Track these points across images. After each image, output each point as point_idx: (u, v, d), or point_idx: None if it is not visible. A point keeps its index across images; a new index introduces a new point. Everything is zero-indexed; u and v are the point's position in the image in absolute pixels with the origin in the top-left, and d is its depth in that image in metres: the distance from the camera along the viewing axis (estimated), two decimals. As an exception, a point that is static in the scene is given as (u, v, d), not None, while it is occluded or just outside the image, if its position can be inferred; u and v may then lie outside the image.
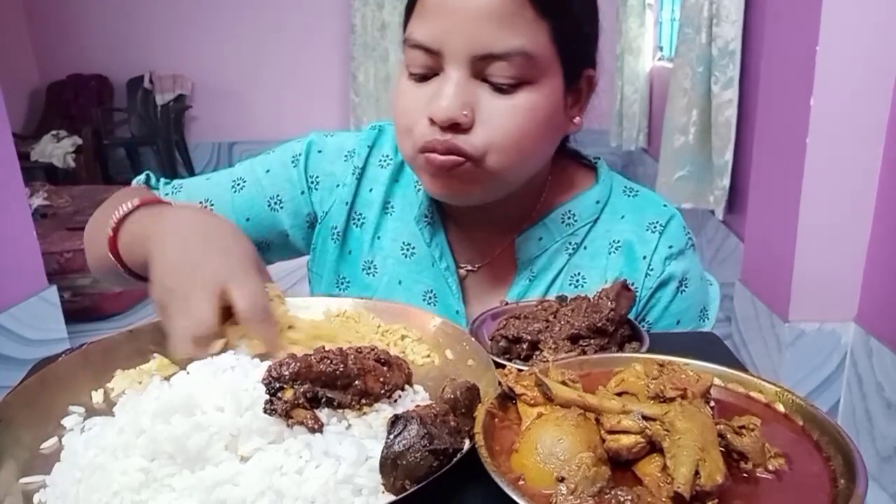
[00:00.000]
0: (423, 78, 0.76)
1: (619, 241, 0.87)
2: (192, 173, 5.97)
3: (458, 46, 0.72)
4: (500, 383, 0.53)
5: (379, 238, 0.92)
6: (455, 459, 0.46)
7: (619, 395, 0.50)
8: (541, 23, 0.72)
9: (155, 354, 0.65)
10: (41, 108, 5.93)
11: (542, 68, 0.74)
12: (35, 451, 0.53)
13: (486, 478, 0.43)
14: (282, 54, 5.95)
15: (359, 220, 0.92)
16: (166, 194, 0.92)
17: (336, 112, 6.08)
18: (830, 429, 0.48)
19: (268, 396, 0.50)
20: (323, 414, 0.51)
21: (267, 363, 0.53)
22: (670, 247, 0.86)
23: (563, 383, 0.51)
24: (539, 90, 0.74)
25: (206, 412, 0.48)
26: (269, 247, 0.93)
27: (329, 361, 0.52)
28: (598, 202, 0.88)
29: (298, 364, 0.51)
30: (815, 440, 0.48)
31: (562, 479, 0.42)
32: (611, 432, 0.45)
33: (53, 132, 5.33)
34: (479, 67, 0.73)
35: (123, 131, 6.06)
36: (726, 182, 2.95)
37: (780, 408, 0.52)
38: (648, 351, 0.63)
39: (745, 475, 0.45)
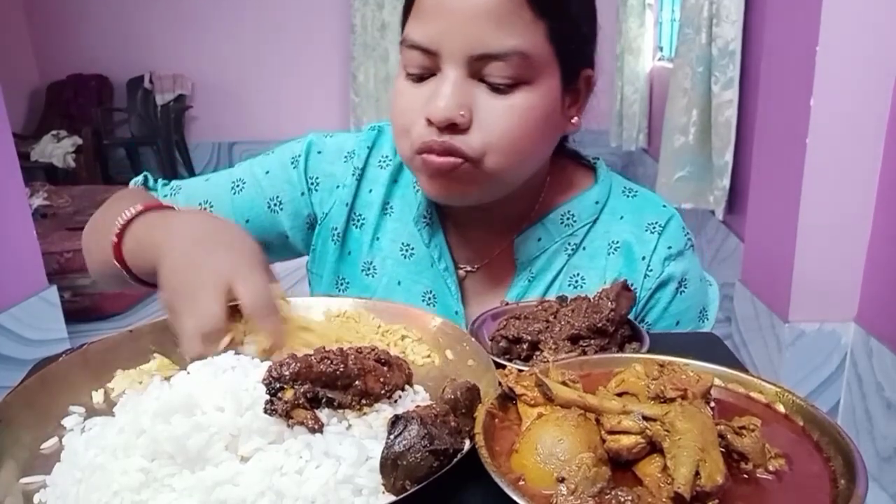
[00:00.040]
0: (421, 78, 0.76)
1: (618, 242, 0.86)
2: (192, 173, 5.97)
3: (455, 47, 0.72)
4: (500, 384, 0.53)
5: (378, 239, 0.92)
6: (455, 460, 0.46)
7: (620, 395, 0.50)
8: (538, 23, 0.72)
9: (155, 354, 0.65)
10: (41, 108, 5.93)
11: (539, 68, 0.74)
12: (35, 451, 0.53)
13: (487, 478, 0.43)
14: (282, 54, 5.95)
15: (358, 221, 0.92)
16: (165, 196, 0.92)
17: (336, 112, 6.07)
18: (830, 429, 0.48)
19: (268, 396, 0.50)
20: (323, 414, 0.51)
21: (267, 363, 0.53)
22: (669, 247, 0.86)
23: (564, 384, 0.51)
24: (536, 90, 0.74)
25: (206, 412, 0.48)
26: (269, 248, 0.93)
27: (329, 362, 0.52)
28: (597, 202, 0.88)
29: (299, 364, 0.51)
30: (815, 440, 0.48)
31: (562, 480, 0.42)
32: (611, 433, 0.45)
33: (53, 132, 5.33)
34: (476, 68, 0.73)
35: (123, 131, 6.06)
36: (726, 182, 2.95)
37: (781, 408, 0.52)
38: (649, 351, 0.63)
39: (745, 476, 0.45)
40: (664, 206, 0.90)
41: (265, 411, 0.49)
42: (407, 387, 0.58)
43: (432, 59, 0.74)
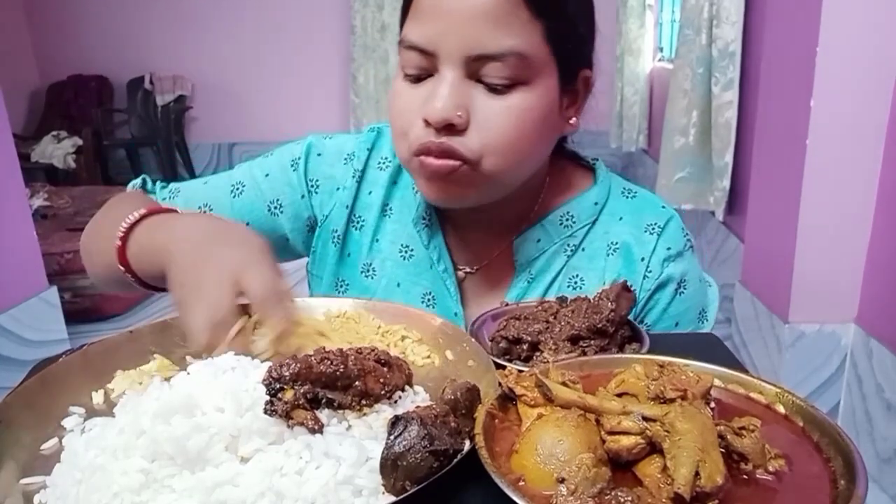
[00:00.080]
0: (418, 79, 0.76)
1: (617, 243, 0.86)
2: (192, 174, 5.97)
3: (453, 47, 0.72)
4: (500, 384, 0.53)
5: (378, 241, 0.91)
6: (455, 460, 0.46)
7: (620, 396, 0.50)
8: (535, 23, 0.72)
9: (155, 355, 0.65)
10: (41, 108, 5.93)
11: (536, 69, 0.74)
12: (35, 451, 0.53)
13: (487, 479, 0.43)
14: (282, 55, 5.95)
15: (358, 222, 0.92)
16: (163, 199, 0.92)
17: (336, 113, 6.08)
18: (830, 430, 0.48)
19: (268, 397, 0.50)
20: (323, 415, 0.51)
21: (267, 364, 0.53)
22: (668, 248, 0.86)
23: (564, 384, 0.51)
24: (533, 90, 0.74)
25: (206, 413, 0.48)
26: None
27: (329, 362, 0.52)
28: (596, 203, 0.88)
29: (299, 365, 0.51)
30: (815, 441, 0.48)
31: (562, 480, 0.42)
32: (611, 433, 0.45)
33: (54, 133, 5.34)
34: (474, 68, 0.72)
35: (124, 132, 6.06)
36: (726, 183, 2.95)
37: (781, 409, 0.52)
38: (648, 352, 0.63)
39: (745, 476, 0.45)
40: (663, 206, 0.90)
41: (265, 412, 0.49)
42: (407, 387, 0.58)
43: (430, 60, 0.74)
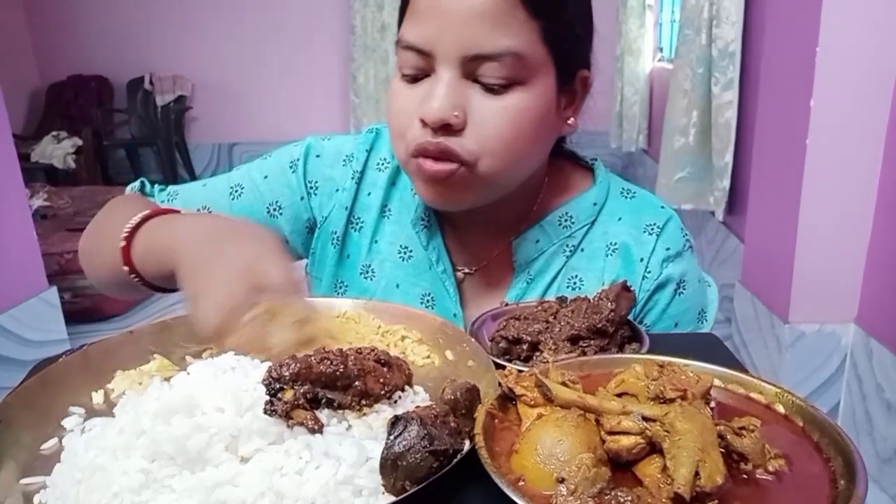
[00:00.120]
0: (415, 79, 0.76)
1: (616, 244, 0.86)
2: (192, 174, 5.98)
3: (449, 47, 0.72)
4: (500, 384, 0.53)
5: (377, 242, 0.91)
6: (455, 460, 0.46)
7: (620, 396, 0.50)
8: (532, 23, 0.72)
9: (155, 355, 0.65)
10: (41, 108, 5.93)
11: (533, 69, 0.73)
12: (35, 451, 0.53)
13: (487, 479, 0.43)
14: (282, 55, 5.95)
15: (357, 224, 0.92)
16: (162, 201, 0.91)
17: (336, 113, 6.08)
18: (830, 430, 0.48)
19: (268, 397, 0.50)
20: (323, 415, 0.51)
21: (267, 364, 0.53)
22: (668, 249, 0.86)
23: (564, 384, 0.51)
24: (531, 91, 0.74)
25: (206, 413, 0.48)
26: None
27: (329, 362, 0.52)
28: (595, 204, 0.88)
29: (298, 365, 0.51)
30: (815, 441, 0.48)
31: (562, 480, 0.42)
32: (611, 433, 0.45)
33: (54, 133, 5.34)
34: (471, 68, 0.72)
35: (123, 132, 6.06)
36: (726, 183, 2.95)
37: (781, 409, 0.52)
38: (648, 352, 0.63)
39: (745, 476, 0.45)
40: (662, 207, 0.90)
41: (265, 412, 0.49)
42: (407, 387, 0.58)
43: (427, 60, 0.74)
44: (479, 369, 0.60)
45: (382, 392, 0.54)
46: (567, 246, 0.87)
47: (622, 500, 0.41)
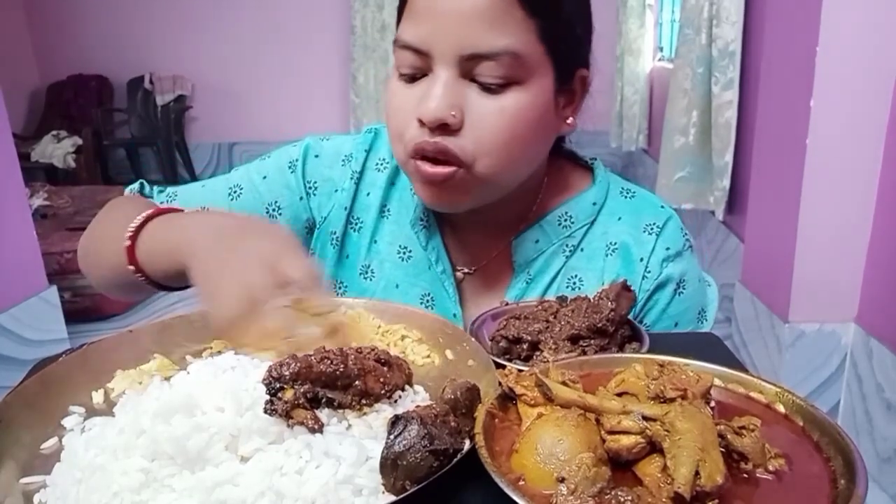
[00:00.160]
0: (413, 78, 0.76)
1: (615, 244, 0.86)
2: (192, 174, 5.98)
3: (446, 47, 0.72)
4: (500, 384, 0.53)
5: (376, 242, 0.91)
6: (455, 460, 0.46)
7: (620, 395, 0.50)
8: (529, 22, 0.72)
9: (155, 355, 0.65)
10: (41, 108, 5.93)
11: (530, 68, 0.73)
12: (35, 451, 0.53)
13: (487, 478, 0.43)
14: (282, 55, 5.95)
15: (356, 224, 0.92)
16: (161, 202, 0.91)
17: (336, 113, 6.08)
18: (830, 429, 0.48)
19: (268, 397, 0.50)
20: (323, 414, 0.51)
21: (267, 363, 0.53)
22: (667, 248, 0.86)
23: (564, 384, 0.51)
24: (528, 90, 0.74)
25: (206, 412, 0.48)
26: None
27: (329, 362, 0.52)
28: (594, 204, 0.88)
29: (299, 364, 0.51)
30: (815, 441, 0.48)
31: (562, 480, 0.42)
32: (611, 433, 0.45)
33: (53, 132, 5.34)
34: (468, 68, 0.72)
35: (123, 132, 6.06)
36: (726, 183, 2.95)
37: (781, 408, 0.52)
38: (649, 351, 0.63)
39: (745, 476, 0.45)
40: (662, 206, 0.90)
41: (265, 411, 0.49)
42: (407, 387, 0.58)
43: (424, 60, 0.74)
44: (480, 369, 0.60)
45: (382, 391, 0.54)
46: (567, 246, 0.86)
47: (622, 499, 0.41)
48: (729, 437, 0.46)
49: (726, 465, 0.43)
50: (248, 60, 5.98)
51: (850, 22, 1.88)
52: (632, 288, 0.68)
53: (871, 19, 1.87)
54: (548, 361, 0.57)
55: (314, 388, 0.51)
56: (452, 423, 0.48)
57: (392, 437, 0.45)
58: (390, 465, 0.44)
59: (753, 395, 0.54)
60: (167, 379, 0.55)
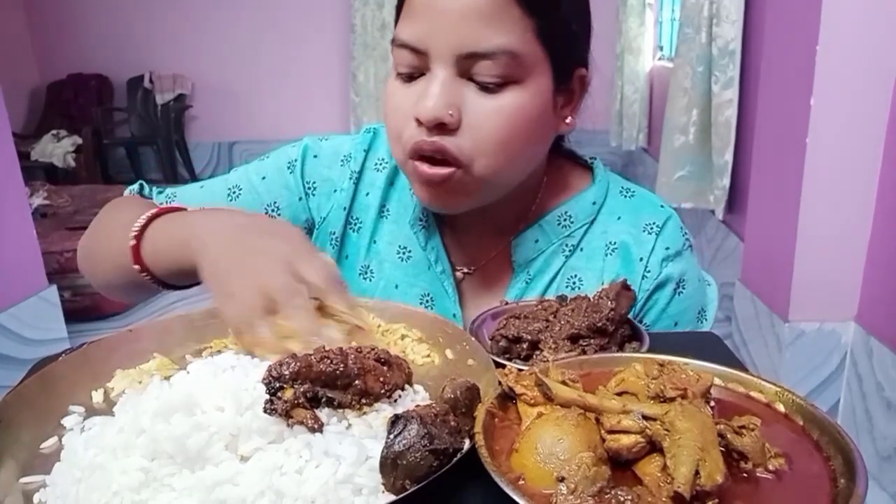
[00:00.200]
0: (411, 77, 0.75)
1: (615, 243, 0.86)
2: (192, 173, 5.98)
3: (444, 45, 0.71)
4: (500, 383, 0.53)
5: (375, 242, 0.91)
6: (455, 459, 0.46)
7: (620, 394, 0.50)
8: (526, 21, 0.72)
9: (155, 354, 0.65)
10: (41, 107, 5.93)
11: (528, 67, 0.73)
12: (35, 450, 0.53)
13: (487, 478, 0.43)
14: (282, 54, 5.95)
15: (356, 224, 0.92)
16: (160, 203, 0.91)
17: (336, 112, 6.08)
18: (830, 428, 0.48)
19: (268, 396, 0.49)
20: (323, 414, 0.51)
21: (267, 363, 0.53)
22: (667, 248, 0.86)
23: (564, 383, 0.51)
24: (526, 89, 0.74)
25: (206, 412, 0.48)
26: None
27: (329, 361, 0.52)
28: (594, 203, 0.88)
29: (298, 364, 0.51)
30: (815, 440, 0.48)
31: (562, 479, 0.42)
32: (611, 432, 0.45)
33: (53, 132, 5.34)
34: (465, 66, 0.72)
35: (123, 131, 6.06)
36: (726, 182, 2.95)
37: (781, 407, 0.52)
38: (648, 351, 0.63)
39: (745, 475, 0.45)
40: (662, 206, 0.90)
41: (265, 411, 0.49)
42: (407, 386, 0.58)
43: (422, 59, 0.73)
44: (479, 368, 0.60)
45: (382, 391, 0.54)
46: (566, 245, 0.86)
47: (622, 499, 0.41)
48: (729, 436, 0.46)
49: (726, 465, 0.43)
50: (248, 59, 5.98)
51: (850, 21, 1.87)
52: (631, 287, 0.68)
53: (871, 19, 1.87)
54: (548, 361, 0.57)
55: (314, 388, 0.51)
56: (452, 423, 0.48)
57: (392, 436, 0.45)
58: (390, 465, 0.44)
59: (753, 394, 0.54)
60: (167, 378, 0.55)
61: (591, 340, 0.64)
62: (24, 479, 0.50)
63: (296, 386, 0.50)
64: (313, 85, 6.03)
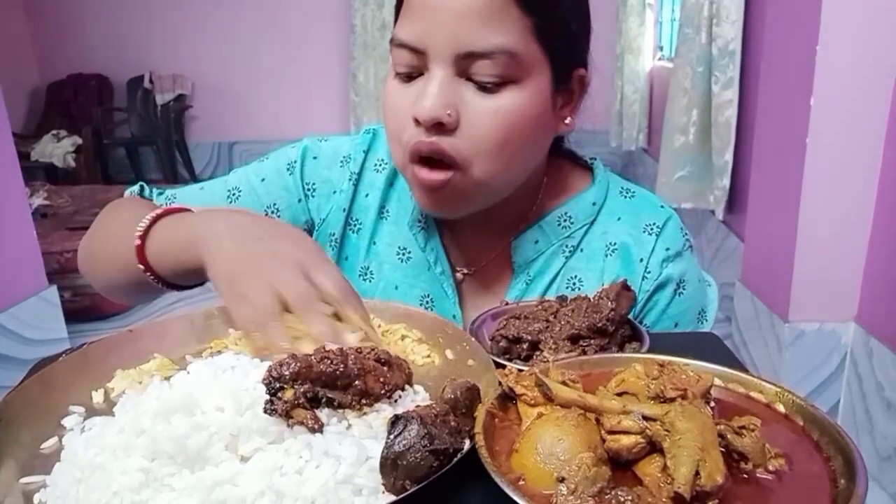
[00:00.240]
0: (409, 77, 0.75)
1: (615, 244, 0.86)
2: (192, 173, 5.98)
3: (442, 45, 0.71)
4: (500, 383, 0.53)
5: (375, 243, 0.91)
6: (455, 459, 0.46)
7: (620, 395, 0.50)
8: (525, 20, 0.71)
9: (155, 354, 0.65)
10: (41, 107, 5.93)
11: (526, 67, 0.73)
12: (35, 450, 0.53)
13: (487, 478, 0.43)
14: (282, 54, 5.95)
15: (355, 225, 0.92)
16: (160, 204, 0.91)
17: (336, 112, 6.08)
18: (830, 429, 0.48)
19: (268, 396, 0.49)
20: (323, 414, 0.51)
21: (267, 363, 0.53)
22: (667, 249, 0.85)
23: (564, 383, 0.51)
24: (524, 89, 0.73)
25: (206, 412, 0.48)
26: None
27: (329, 361, 0.52)
28: (594, 204, 0.87)
29: (299, 364, 0.51)
30: (815, 440, 0.48)
31: (562, 480, 0.42)
32: (611, 432, 0.45)
33: (53, 132, 5.34)
34: (464, 66, 0.72)
35: (123, 131, 6.06)
36: (726, 182, 2.95)
37: (781, 408, 0.52)
38: (649, 351, 0.63)
39: (745, 475, 0.45)
40: (662, 206, 0.90)
41: (265, 411, 0.49)
42: (407, 387, 0.58)
43: (420, 59, 0.73)
44: (480, 368, 0.60)
45: (382, 391, 0.54)
46: (566, 246, 0.86)
47: (622, 499, 0.41)
48: (729, 436, 0.46)
49: (726, 465, 0.43)
50: (248, 59, 5.98)
51: (850, 21, 1.88)
52: (631, 288, 0.68)
53: (871, 18, 1.87)
54: (548, 361, 0.57)
55: (314, 388, 0.51)
56: (452, 423, 0.48)
57: (392, 436, 0.45)
58: (390, 465, 0.44)
59: (753, 394, 0.54)
60: (167, 379, 0.55)
61: (592, 341, 0.64)
62: (24, 480, 0.50)
63: (296, 386, 0.50)
64: (313, 85, 6.03)
